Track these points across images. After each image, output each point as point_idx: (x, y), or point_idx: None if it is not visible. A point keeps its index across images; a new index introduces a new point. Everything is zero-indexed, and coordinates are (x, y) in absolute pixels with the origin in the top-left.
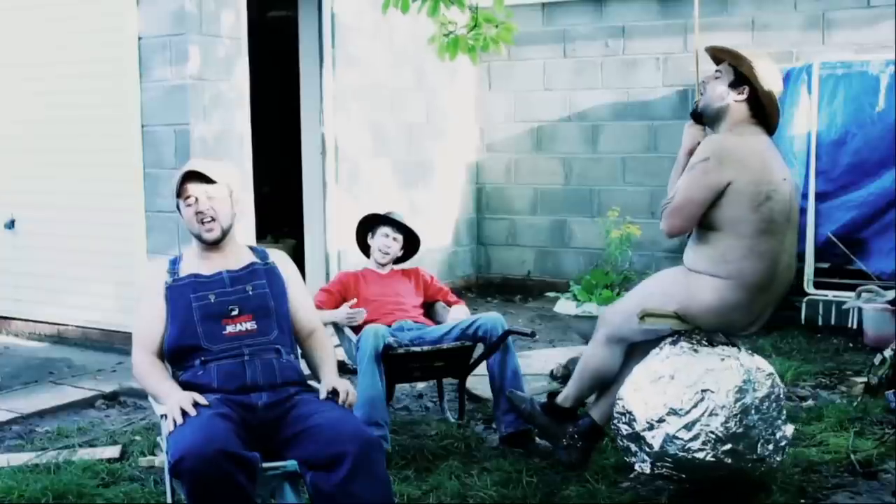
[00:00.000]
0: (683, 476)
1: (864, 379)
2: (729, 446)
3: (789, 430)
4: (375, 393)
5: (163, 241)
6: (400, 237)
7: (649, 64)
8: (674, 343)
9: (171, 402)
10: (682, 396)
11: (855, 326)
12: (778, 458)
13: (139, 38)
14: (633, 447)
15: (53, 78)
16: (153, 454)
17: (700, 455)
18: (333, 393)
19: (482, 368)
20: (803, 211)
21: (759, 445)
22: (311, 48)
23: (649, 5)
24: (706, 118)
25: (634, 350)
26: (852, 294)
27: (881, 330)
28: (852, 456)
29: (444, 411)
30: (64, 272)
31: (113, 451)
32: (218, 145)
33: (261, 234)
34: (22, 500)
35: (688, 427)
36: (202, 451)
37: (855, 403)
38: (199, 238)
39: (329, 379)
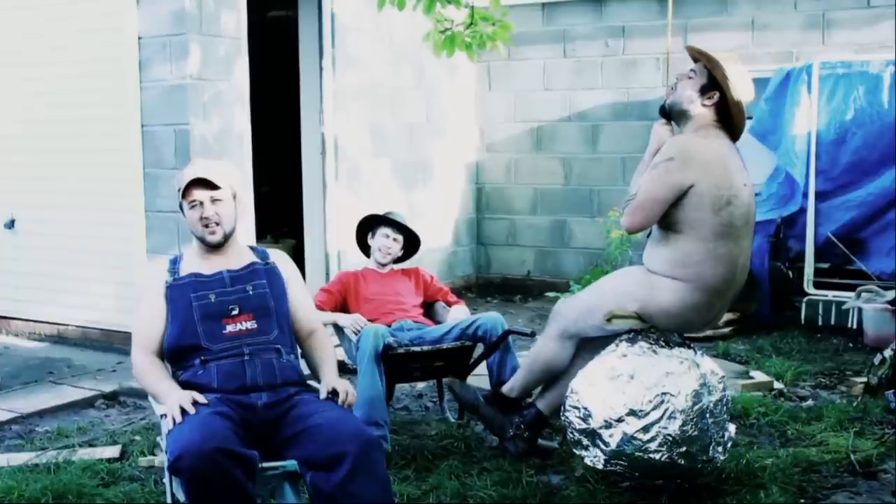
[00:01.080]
0: (636, 474)
1: (864, 379)
2: (684, 448)
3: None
4: (375, 393)
5: (163, 241)
6: (400, 237)
7: (649, 64)
8: (631, 342)
9: (171, 401)
10: (642, 398)
11: (855, 326)
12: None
13: (139, 38)
14: (586, 441)
15: (53, 78)
16: (153, 454)
17: (656, 456)
18: (333, 393)
19: (482, 368)
20: (803, 210)
21: (710, 447)
22: (311, 48)
23: (649, 5)
24: (673, 115)
25: (584, 344)
26: (852, 294)
27: (881, 330)
28: (852, 456)
29: (444, 411)
30: (64, 272)
31: (113, 451)
32: (218, 145)
33: (261, 234)
34: (22, 500)
35: (646, 429)
36: (201, 448)
37: (855, 403)
38: (202, 240)
39: (329, 379)
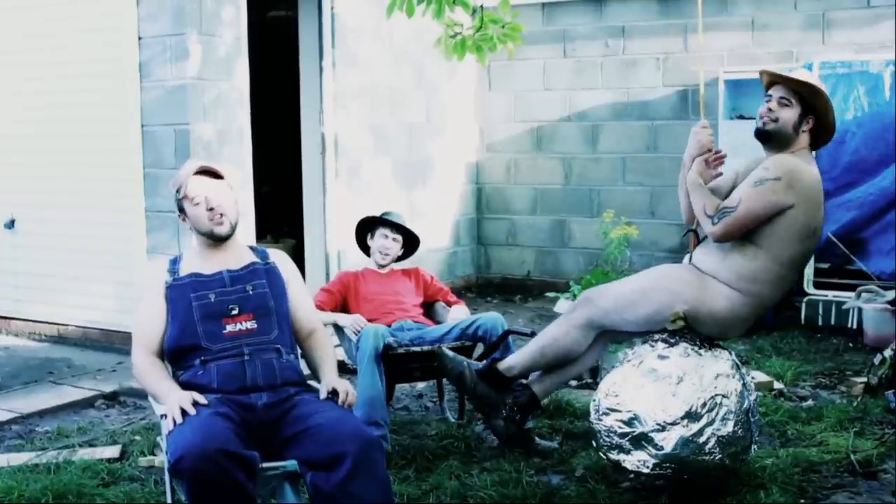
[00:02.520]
0: (684, 477)
1: (864, 379)
2: (732, 449)
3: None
4: (375, 393)
5: (163, 241)
6: (399, 238)
7: (649, 64)
8: (669, 343)
9: (171, 401)
10: (696, 400)
11: (855, 326)
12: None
13: (139, 38)
14: (628, 446)
15: (53, 78)
16: (153, 454)
17: (708, 458)
18: (333, 393)
19: None
20: None
21: (751, 447)
22: (311, 48)
23: (649, 5)
24: (772, 140)
25: (600, 336)
26: (852, 294)
27: (881, 330)
28: (852, 456)
29: (444, 411)
30: (64, 272)
31: (113, 451)
32: (218, 145)
33: (261, 234)
34: (22, 500)
35: (702, 431)
36: (202, 449)
37: (855, 403)
38: (209, 234)
39: (329, 379)
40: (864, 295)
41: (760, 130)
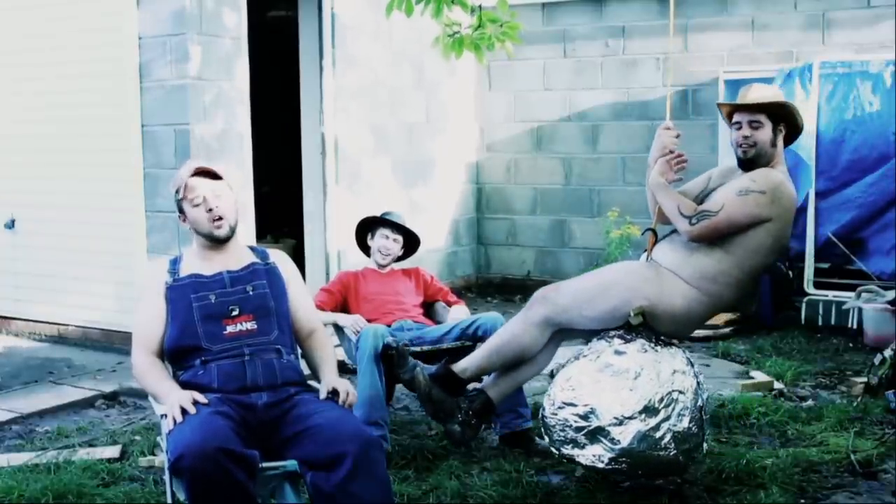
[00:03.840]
0: (638, 473)
1: (864, 379)
2: (686, 445)
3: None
4: (375, 393)
5: (163, 241)
6: (400, 238)
7: (649, 64)
8: (626, 339)
9: (171, 400)
10: (654, 395)
11: (855, 326)
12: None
13: (139, 38)
14: (584, 440)
15: (53, 78)
16: (153, 454)
17: (663, 453)
18: (333, 393)
19: None
20: (803, 210)
21: (703, 444)
22: (311, 48)
23: (649, 5)
24: (758, 165)
25: (553, 335)
26: (852, 294)
27: (881, 330)
28: (852, 456)
29: None
30: (64, 272)
31: (113, 451)
32: (218, 145)
33: (261, 234)
34: (22, 500)
35: (658, 426)
36: (202, 448)
37: (855, 403)
38: (208, 236)
39: (329, 379)
40: (864, 295)
41: (742, 161)
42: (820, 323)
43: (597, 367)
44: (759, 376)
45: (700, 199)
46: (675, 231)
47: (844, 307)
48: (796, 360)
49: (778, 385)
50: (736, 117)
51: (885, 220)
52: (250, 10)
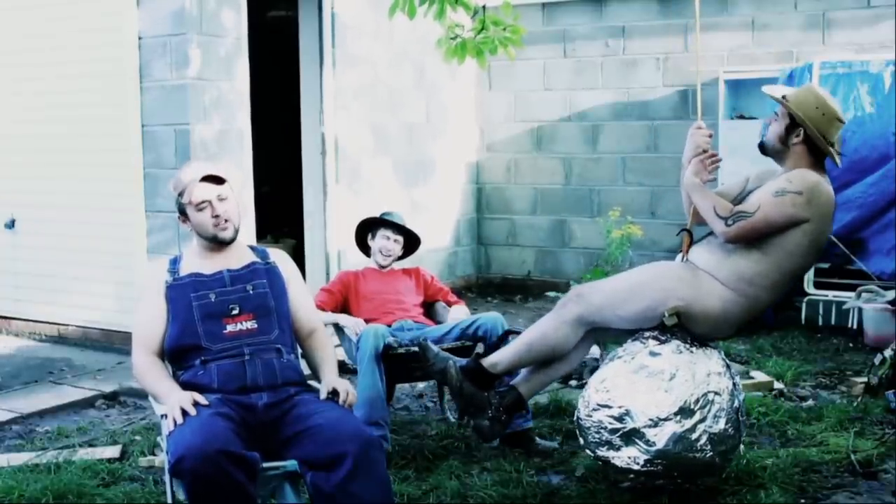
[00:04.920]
0: (674, 474)
1: (864, 379)
2: (723, 447)
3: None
4: (375, 393)
5: (163, 241)
6: (400, 238)
7: (649, 64)
8: (660, 340)
9: (171, 401)
10: (690, 396)
11: (855, 326)
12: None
13: (139, 38)
14: (619, 442)
15: (53, 78)
16: (153, 454)
17: (699, 455)
18: (334, 393)
19: None
20: None
21: (739, 446)
22: (311, 48)
23: (649, 5)
24: (768, 153)
25: (587, 335)
26: (852, 294)
27: (881, 330)
28: (852, 456)
29: (444, 411)
30: (64, 272)
31: (113, 451)
32: (218, 145)
33: (261, 234)
34: (22, 500)
35: (694, 427)
36: (202, 450)
37: (855, 403)
38: (213, 239)
39: (329, 379)
40: (864, 295)
41: (759, 143)
42: (820, 323)
43: (631, 368)
44: (760, 376)
45: (738, 201)
46: (711, 233)
47: (844, 307)
48: (796, 360)
49: (778, 385)
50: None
51: (886, 221)
52: (250, 10)
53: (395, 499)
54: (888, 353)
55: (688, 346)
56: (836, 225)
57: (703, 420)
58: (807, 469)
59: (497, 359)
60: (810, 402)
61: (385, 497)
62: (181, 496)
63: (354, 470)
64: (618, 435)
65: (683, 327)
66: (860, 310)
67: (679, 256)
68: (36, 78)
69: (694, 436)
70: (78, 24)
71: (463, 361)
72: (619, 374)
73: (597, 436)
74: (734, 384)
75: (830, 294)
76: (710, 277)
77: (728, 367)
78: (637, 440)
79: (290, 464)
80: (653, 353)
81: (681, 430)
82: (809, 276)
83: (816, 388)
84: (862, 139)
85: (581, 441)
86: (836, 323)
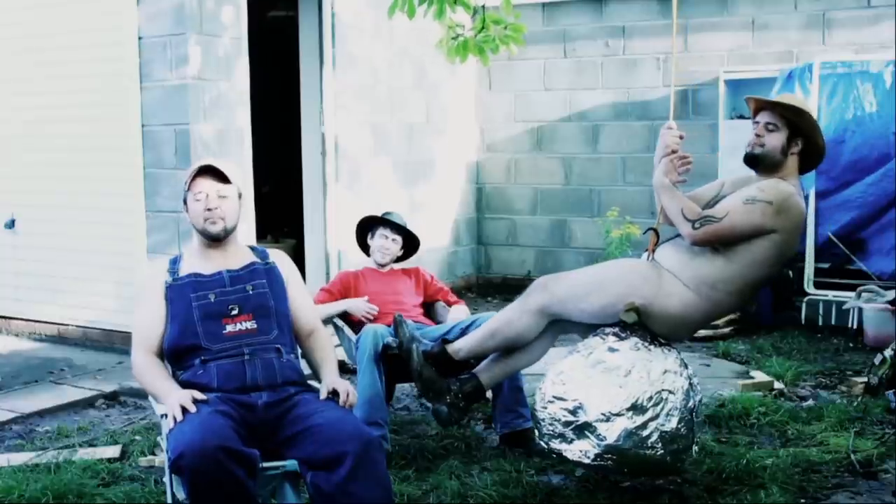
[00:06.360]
0: (624, 471)
1: (864, 379)
2: (675, 446)
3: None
4: (375, 393)
5: (163, 241)
6: (399, 238)
7: (649, 64)
8: (620, 336)
9: (171, 400)
10: (643, 393)
11: (855, 326)
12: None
13: (139, 38)
14: (571, 435)
15: (54, 78)
16: (153, 454)
17: (650, 452)
18: (334, 393)
19: None
20: None
21: (692, 447)
22: (311, 48)
23: (649, 5)
24: (762, 166)
25: (550, 326)
26: (852, 294)
27: (881, 330)
28: (852, 456)
29: None
30: (64, 272)
31: (113, 451)
32: (218, 145)
33: (261, 234)
34: (22, 500)
35: (645, 424)
36: (202, 447)
37: (855, 403)
38: (202, 232)
39: (329, 379)
40: (864, 295)
41: (748, 155)
42: (820, 323)
43: (589, 363)
44: (760, 376)
45: (711, 205)
46: (679, 234)
47: (844, 307)
48: (796, 360)
49: (778, 385)
50: (758, 117)
51: (886, 221)
52: (250, 10)
53: (395, 499)
54: (888, 353)
55: (646, 343)
56: (836, 225)
57: (655, 418)
58: (807, 469)
59: (460, 345)
60: (810, 402)
61: (385, 497)
62: (181, 496)
63: (354, 470)
64: (570, 428)
65: (643, 325)
66: (860, 310)
67: (645, 255)
68: (36, 78)
69: (645, 433)
70: (78, 24)
71: (428, 345)
72: (575, 367)
73: (550, 428)
74: (691, 384)
75: (830, 294)
76: (674, 278)
77: (686, 366)
78: (589, 434)
79: (290, 463)
80: (611, 349)
81: (632, 427)
82: (809, 276)
83: (816, 388)
84: (862, 139)
85: (536, 433)
86: (836, 323)
